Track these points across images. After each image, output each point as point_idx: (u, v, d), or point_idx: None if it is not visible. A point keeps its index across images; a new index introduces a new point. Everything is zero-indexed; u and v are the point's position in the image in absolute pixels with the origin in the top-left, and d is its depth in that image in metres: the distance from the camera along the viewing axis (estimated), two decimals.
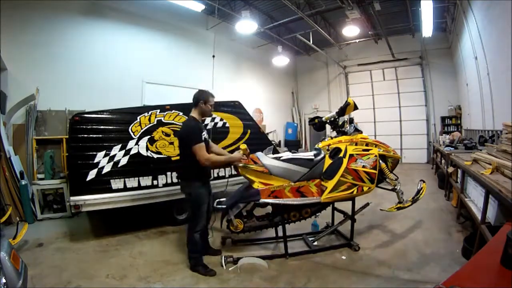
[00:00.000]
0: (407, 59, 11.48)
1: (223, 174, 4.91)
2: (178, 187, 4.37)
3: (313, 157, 3.42)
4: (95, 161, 3.90)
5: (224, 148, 4.88)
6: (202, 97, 3.13)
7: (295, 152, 3.83)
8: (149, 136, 4.26)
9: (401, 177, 3.71)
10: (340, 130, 3.70)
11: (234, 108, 5.22)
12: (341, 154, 3.34)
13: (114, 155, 4.02)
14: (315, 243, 3.63)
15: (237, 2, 8.69)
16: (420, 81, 11.42)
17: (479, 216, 2.96)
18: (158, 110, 4.42)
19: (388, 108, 11.99)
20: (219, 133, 4.84)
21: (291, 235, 3.69)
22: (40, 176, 5.43)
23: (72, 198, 3.79)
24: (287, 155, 3.57)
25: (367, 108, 12.09)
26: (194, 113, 3.13)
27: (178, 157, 4.38)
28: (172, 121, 4.49)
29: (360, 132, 3.68)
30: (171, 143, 4.42)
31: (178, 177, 3.83)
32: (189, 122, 3.12)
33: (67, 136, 4.66)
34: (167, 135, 4.41)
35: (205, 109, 3.14)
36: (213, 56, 5.07)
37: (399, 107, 11.80)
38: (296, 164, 3.35)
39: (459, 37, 8.27)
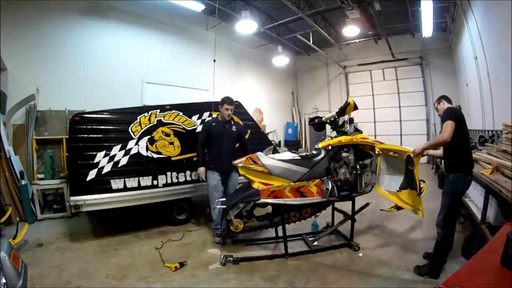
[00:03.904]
0: (407, 59, 11.47)
1: None
2: (178, 187, 4.45)
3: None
4: (95, 161, 3.90)
5: None
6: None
7: (295, 152, 3.83)
8: (149, 136, 4.26)
9: None
10: (340, 130, 3.70)
11: (234, 108, 5.21)
12: None
13: (114, 155, 4.02)
14: (315, 243, 3.63)
15: (237, 2, 8.68)
16: (420, 81, 11.40)
17: (479, 216, 2.96)
18: (158, 110, 4.42)
19: (388, 108, 11.97)
20: None
21: (291, 235, 3.69)
22: (40, 176, 5.42)
23: (72, 198, 3.79)
24: (287, 155, 3.57)
25: (367, 108, 12.08)
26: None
27: (178, 157, 4.42)
28: (172, 121, 4.49)
29: (360, 132, 3.68)
30: (171, 143, 4.42)
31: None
32: None
33: (67, 136, 4.66)
34: (167, 135, 4.41)
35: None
36: (214, 61, 5.07)
37: (399, 107, 11.79)
38: (296, 164, 3.35)
39: (459, 37, 8.26)
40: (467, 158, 2.91)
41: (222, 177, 3.89)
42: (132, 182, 4.11)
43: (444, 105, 3.16)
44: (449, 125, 2.76)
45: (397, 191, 3.23)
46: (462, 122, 2.88)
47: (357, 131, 3.65)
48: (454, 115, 2.85)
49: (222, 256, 3.24)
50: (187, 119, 4.62)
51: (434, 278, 2.65)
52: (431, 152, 3.38)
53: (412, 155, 2.98)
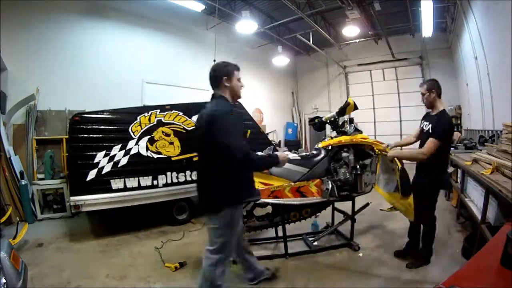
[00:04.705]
0: (407, 59, 11.47)
1: None
2: (178, 187, 4.45)
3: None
4: (95, 161, 3.90)
5: None
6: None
7: (295, 152, 3.83)
8: (149, 136, 4.26)
9: None
10: (340, 130, 3.69)
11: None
12: None
13: (114, 155, 4.03)
14: (315, 243, 3.63)
15: (237, 2, 8.69)
16: (420, 81, 11.35)
17: (479, 216, 2.96)
18: (158, 110, 4.43)
19: (388, 108, 11.97)
20: None
21: (291, 235, 3.69)
22: (40, 176, 5.42)
23: (72, 198, 3.80)
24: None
25: (367, 108, 12.08)
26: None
27: (178, 157, 4.42)
28: (172, 121, 4.49)
29: (360, 132, 3.67)
30: (171, 143, 4.42)
31: None
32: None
33: (67, 136, 4.66)
34: (167, 135, 4.41)
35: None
36: (214, 61, 5.07)
37: (399, 107, 11.79)
38: (296, 164, 3.35)
39: (459, 37, 8.26)
40: (446, 161, 3.03)
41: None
42: (132, 182, 4.11)
43: (435, 100, 2.87)
44: (435, 145, 2.66)
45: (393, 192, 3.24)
46: (450, 135, 2.92)
47: (357, 131, 3.65)
48: (447, 134, 2.79)
49: None
50: (187, 119, 4.62)
51: (428, 263, 2.95)
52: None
53: (381, 149, 3.16)
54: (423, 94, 2.94)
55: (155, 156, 4.27)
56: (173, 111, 4.53)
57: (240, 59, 11.19)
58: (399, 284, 2.72)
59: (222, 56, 9.65)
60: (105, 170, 3.94)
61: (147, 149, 4.23)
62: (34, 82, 5.75)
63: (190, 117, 4.67)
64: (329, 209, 3.84)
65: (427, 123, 2.92)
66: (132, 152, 4.13)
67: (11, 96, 5.44)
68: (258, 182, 3.23)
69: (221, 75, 2.31)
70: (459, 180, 4.33)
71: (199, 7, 7.62)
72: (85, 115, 4.11)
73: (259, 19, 9.02)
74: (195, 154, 4.56)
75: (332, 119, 3.70)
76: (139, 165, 4.17)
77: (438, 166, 2.84)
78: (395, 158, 2.99)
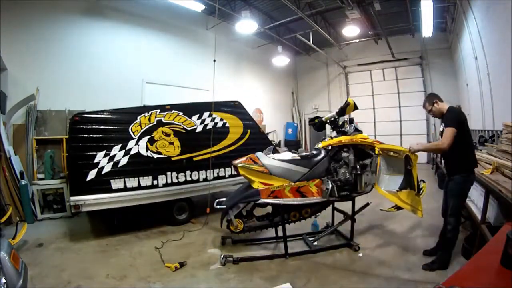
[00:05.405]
0: (407, 59, 11.47)
1: (223, 174, 4.91)
2: (178, 187, 4.45)
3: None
4: (95, 161, 3.90)
5: (224, 148, 4.89)
6: None
7: (295, 152, 3.83)
8: (149, 136, 4.26)
9: None
10: (340, 130, 3.70)
11: (234, 108, 5.23)
12: None
13: (114, 155, 4.02)
14: (315, 243, 3.63)
15: (237, 2, 8.68)
16: (420, 81, 11.41)
17: (479, 216, 2.96)
18: (158, 110, 4.43)
19: (388, 108, 11.97)
20: (219, 133, 4.84)
21: (291, 235, 3.69)
22: (40, 176, 5.42)
23: (72, 198, 3.80)
24: (287, 155, 3.57)
25: (367, 108, 12.08)
26: None
27: (178, 157, 4.42)
28: (172, 121, 4.50)
29: (360, 132, 3.68)
30: (171, 143, 4.42)
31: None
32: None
33: (67, 136, 4.67)
34: (167, 135, 4.41)
35: None
36: (214, 61, 5.10)
37: (399, 107, 11.79)
38: (296, 164, 3.35)
39: (459, 37, 8.27)
40: (470, 158, 2.94)
41: None
42: (132, 182, 4.11)
43: (439, 105, 3.01)
44: (451, 133, 2.73)
45: (397, 191, 3.24)
46: (464, 123, 2.87)
47: (357, 131, 3.65)
48: (457, 120, 2.81)
49: (222, 256, 3.24)
50: (187, 119, 4.62)
51: (445, 269, 2.77)
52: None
53: (409, 154, 3.02)
54: (430, 111, 3.06)
55: (155, 156, 4.27)
56: (173, 111, 4.53)
57: (240, 59, 11.31)
58: (399, 284, 2.72)
59: (222, 56, 9.73)
60: (105, 170, 3.94)
61: (147, 149, 4.23)
62: (34, 82, 5.75)
63: (190, 117, 4.67)
64: (329, 209, 3.84)
65: (443, 124, 2.98)
66: (132, 152, 4.12)
67: (11, 96, 5.44)
68: (258, 182, 3.24)
69: None
70: None
71: (199, 7, 7.62)
72: (85, 115, 4.11)
73: (259, 19, 9.02)
74: (195, 154, 4.60)
75: (332, 119, 3.71)
76: (139, 165, 4.17)
77: (467, 163, 2.89)
78: (412, 154, 3.01)
